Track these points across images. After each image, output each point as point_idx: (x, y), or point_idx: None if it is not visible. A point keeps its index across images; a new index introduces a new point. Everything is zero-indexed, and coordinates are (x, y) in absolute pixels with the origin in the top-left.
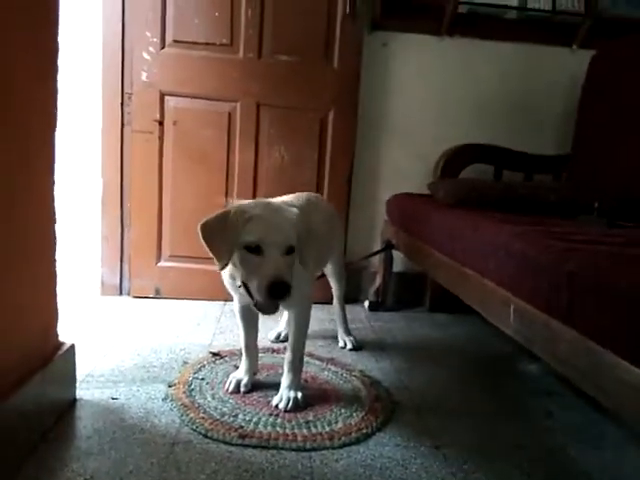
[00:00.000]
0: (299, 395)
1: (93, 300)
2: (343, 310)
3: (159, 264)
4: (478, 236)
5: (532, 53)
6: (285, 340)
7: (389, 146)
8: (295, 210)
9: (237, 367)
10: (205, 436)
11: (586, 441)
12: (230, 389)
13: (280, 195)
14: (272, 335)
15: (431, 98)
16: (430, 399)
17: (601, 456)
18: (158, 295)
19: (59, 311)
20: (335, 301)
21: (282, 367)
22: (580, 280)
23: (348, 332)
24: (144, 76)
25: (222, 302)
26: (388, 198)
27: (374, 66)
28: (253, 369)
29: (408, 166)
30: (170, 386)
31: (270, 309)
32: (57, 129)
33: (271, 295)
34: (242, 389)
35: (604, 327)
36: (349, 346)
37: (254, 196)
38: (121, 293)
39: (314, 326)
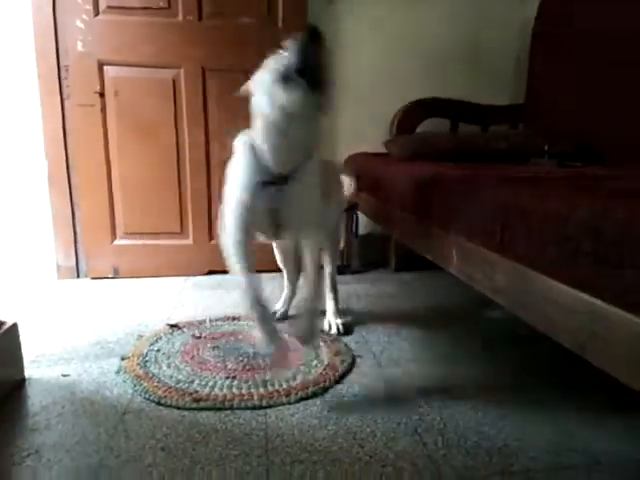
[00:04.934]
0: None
1: (49, 284)
2: (334, 282)
3: (115, 242)
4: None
5: (482, 1)
6: (280, 319)
7: (344, 107)
8: None
9: (195, 336)
10: (158, 403)
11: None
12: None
13: None
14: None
15: (382, 54)
16: (390, 351)
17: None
18: (117, 275)
19: None
20: (326, 269)
21: (242, 333)
22: (511, 207)
23: (339, 312)
24: (80, 46)
25: (184, 277)
26: (345, 158)
27: (321, 24)
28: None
29: (365, 126)
30: (123, 359)
31: None
32: None
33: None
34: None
35: (534, 252)
36: (334, 330)
37: (208, 165)
38: (79, 276)
39: (276, 295)
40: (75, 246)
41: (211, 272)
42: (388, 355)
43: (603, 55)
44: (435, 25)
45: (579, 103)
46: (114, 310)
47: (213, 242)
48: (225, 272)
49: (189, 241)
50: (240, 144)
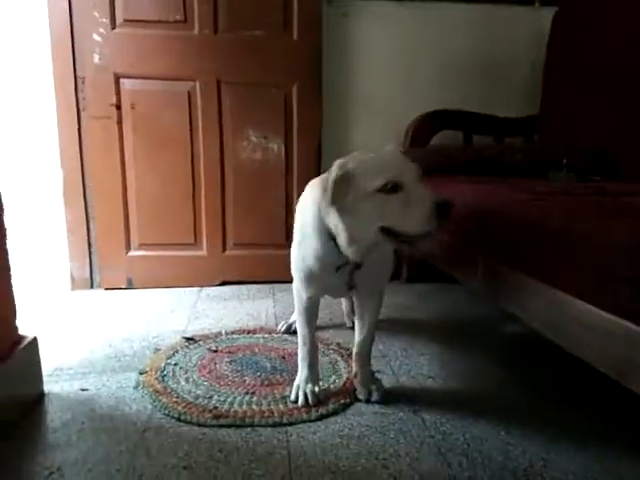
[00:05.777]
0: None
1: (63, 295)
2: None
3: (129, 254)
4: None
5: (494, 13)
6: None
7: (358, 119)
8: None
9: (211, 350)
10: (178, 419)
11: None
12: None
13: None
14: (283, 327)
15: (396, 66)
16: (408, 366)
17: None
18: (131, 286)
19: (16, 305)
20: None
21: (258, 347)
22: (538, 228)
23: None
24: (96, 59)
25: (197, 288)
26: None
27: (336, 38)
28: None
29: (379, 138)
30: (141, 373)
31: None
32: None
33: (440, 214)
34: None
35: (569, 276)
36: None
37: (223, 176)
38: (92, 286)
39: (289, 307)
40: (90, 257)
41: (224, 283)
42: (406, 370)
43: (619, 65)
44: (448, 36)
45: (595, 114)
46: (129, 322)
47: (226, 253)
48: (238, 283)
49: (203, 252)
50: (313, 218)
